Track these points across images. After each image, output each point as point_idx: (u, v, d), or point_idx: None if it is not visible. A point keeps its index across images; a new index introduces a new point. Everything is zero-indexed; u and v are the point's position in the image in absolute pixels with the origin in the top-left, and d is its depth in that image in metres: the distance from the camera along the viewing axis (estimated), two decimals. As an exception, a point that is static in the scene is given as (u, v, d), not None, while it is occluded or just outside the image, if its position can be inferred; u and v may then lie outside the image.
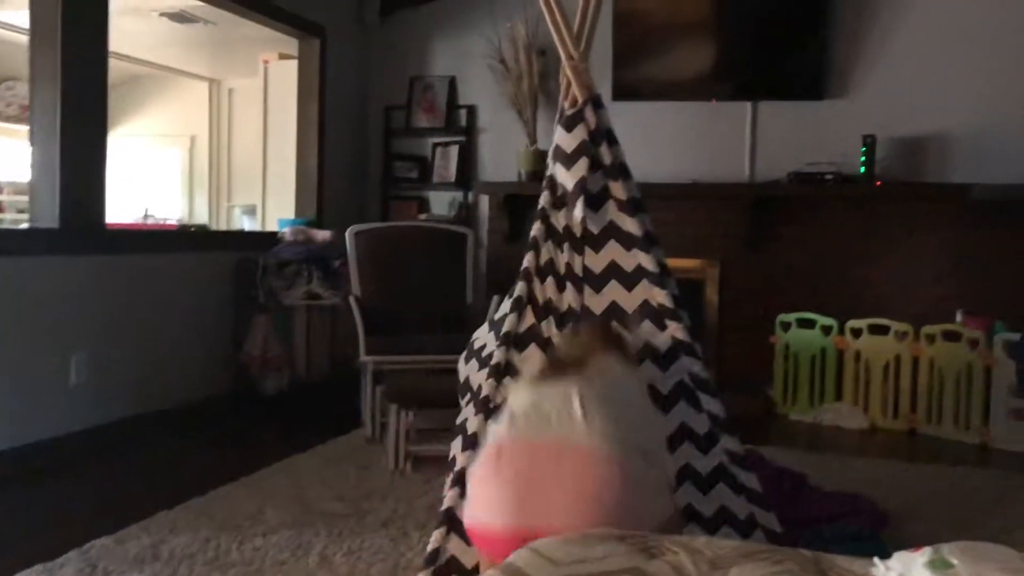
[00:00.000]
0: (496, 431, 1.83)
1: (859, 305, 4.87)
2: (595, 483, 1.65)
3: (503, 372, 2.23)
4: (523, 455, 1.73)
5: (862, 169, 4.81)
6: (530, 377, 1.94)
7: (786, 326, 4.88)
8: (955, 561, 1.24)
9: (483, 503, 1.75)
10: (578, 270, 2.27)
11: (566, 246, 2.28)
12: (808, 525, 2.77)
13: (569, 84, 2.30)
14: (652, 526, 1.62)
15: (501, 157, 5.71)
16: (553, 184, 2.31)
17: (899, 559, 1.33)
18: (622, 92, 5.29)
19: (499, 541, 1.68)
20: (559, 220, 2.30)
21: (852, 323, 4.70)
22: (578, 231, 2.27)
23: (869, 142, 4.79)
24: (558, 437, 1.71)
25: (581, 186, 2.23)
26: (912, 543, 1.43)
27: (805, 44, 5.01)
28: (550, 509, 1.65)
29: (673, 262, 5.13)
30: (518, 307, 2.27)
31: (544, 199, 2.31)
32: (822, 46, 4.97)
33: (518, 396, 1.87)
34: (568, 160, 2.26)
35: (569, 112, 2.28)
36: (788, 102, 5.10)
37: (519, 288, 2.29)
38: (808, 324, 4.83)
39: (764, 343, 4.95)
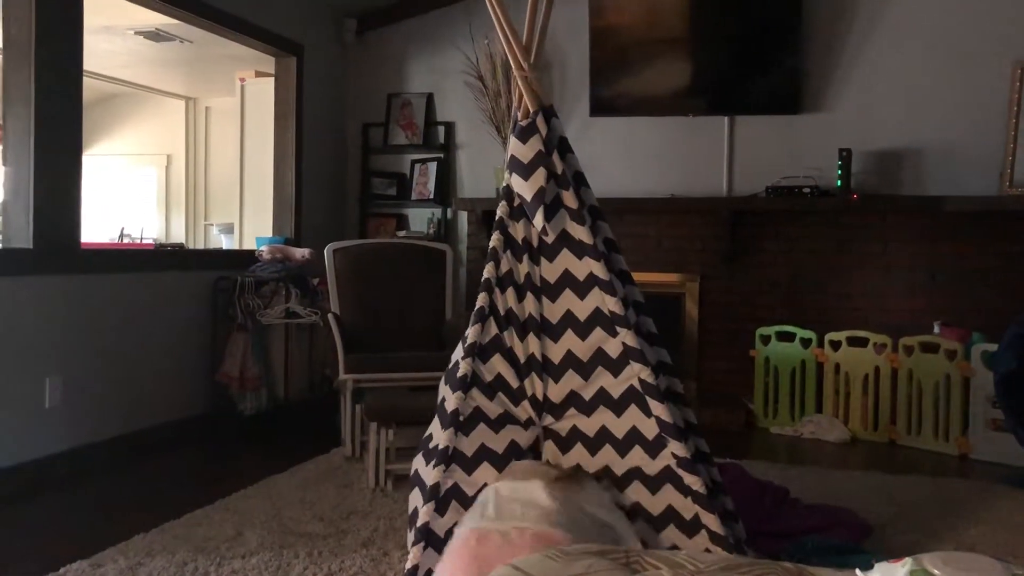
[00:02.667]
0: (472, 519, 2.02)
1: (838, 317, 4.91)
2: None
3: (469, 384, 2.25)
4: (493, 541, 1.90)
5: (838, 183, 4.85)
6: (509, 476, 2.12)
7: (765, 339, 4.90)
8: (936, 572, 1.24)
9: None
10: (536, 280, 2.31)
11: (525, 256, 2.32)
12: (790, 538, 2.77)
13: (521, 95, 2.31)
14: None
15: (479, 173, 5.72)
16: (510, 195, 2.33)
17: (881, 570, 1.32)
18: (599, 108, 5.32)
19: None
20: (517, 231, 2.34)
21: (831, 335, 4.73)
22: (536, 241, 2.32)
23: (845, 156, 4.83)
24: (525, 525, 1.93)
25: (540, 196, 2.25)
26: (894, 554, 1.43)
27: (780, 59, 5.05)
28: None
29: (652, 276, 5.22)
30: (480, 318, 2.30)
31: (501, 209, 2.35)
32: (797, 61, 5.03)
33: (495, 490, 2.08)
34: (525, 171, 2.28)
35: (523, 123, 2.30)
36: (764, 116, 5.15)
37: (480, 299, 2.33)
38: (788, 337, 4.85)
39: (744, 356, 4.96)
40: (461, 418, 2.24)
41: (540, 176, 2.26)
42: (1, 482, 3.42)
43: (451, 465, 2.22)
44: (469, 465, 2.23)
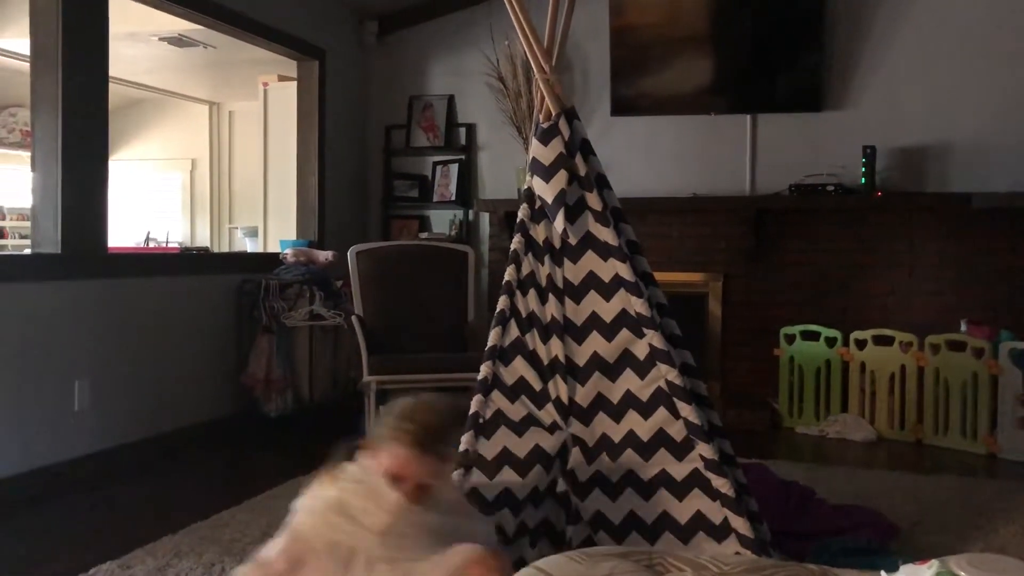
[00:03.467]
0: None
1: (863, 316, 4.87)
2: None
3: (489, 386, 2.26)
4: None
5: (863, 180, 4.81)
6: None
7: (790, 338, 4.87)
8: (962, 574, 1.23)
9: None
10: (559, 282, 2.30)
11: (547, 258, 2.32)
12: (815, 538, 2.75)
13: (543, 98, 2.31)
14: None
15: (501, 174, 5.73)
16: (531, 197, 2.33)
17: (906, 572, 1.32)
18: (620, 107, 5.31)
19: None
20: (538, 233, 2.34)
21: (856, 334, 4.69)
22: (558, 243, 2.30)
23: (869, 153, 4.79)
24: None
25: (562, 198, 2.25)
26: (920, 555, 1.42)
27: (803, 56, 5.02)
28: None
29: (675, 276, 5.19)
30: (501, 320, 2.30)
31: (523, 212, 2.35)
32: (820, 58, 4.99)
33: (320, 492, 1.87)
34: (546, 173, 2.28)
35: (544, 125, 2.30)
36: (787, 114, 5.11)
37: (501, 302, 2.33)
38: (812, 336, 4.82)
39: (768, 356, 4.93)
40: (481, 421, 2.24)
41: (562, 178, 2.26)
42: (32, 483, 3.47)
43: (471, 469, 2.22)
44: (490, 469, 2.23)
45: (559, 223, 2.26)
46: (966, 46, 4.83)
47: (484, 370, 2.27)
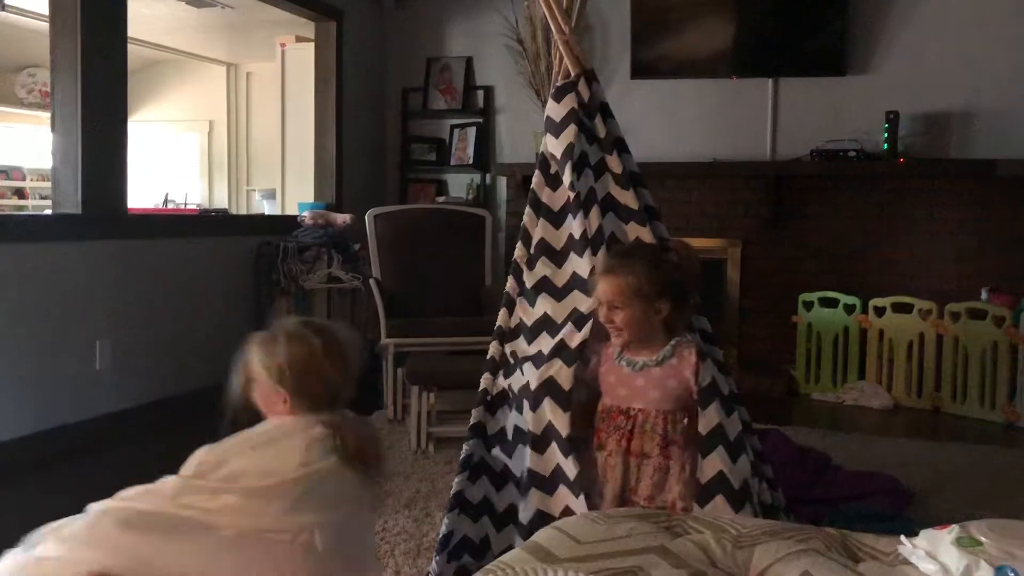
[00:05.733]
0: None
1: (882, 283, 4.83)
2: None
3: (497, 367, 2.24)
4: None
5: (885, 146, 4.75)
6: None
7: (808, 305, 4.85)
8: (983, 539, 1.23)
9: None
10: (577, 235, 2.23)
11: (569, 217, 2.24)
12: (831, 504, 2.76)
13: (562, 59, 2.29)
14: None
15: (518, 138, 5.69)
16: (545, 162, 2.30)
17: (926, 537, 1.32)
18: (641, 70, 5.25)
19: None
20: (553, 199, 2.27)
21: (875, 301, 4.67)
22: (573, 192, 2.23)
23: (892, 118, 4.73)
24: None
25: (569, 152, 2.22)
26: (936, 522, 1.43)
27: (826, 19, 4.94)
28: None
29: (694, 241, 5.08)
30: (508, 303, 2.28)
31: (536, 181, 2.29)
32: (843, 21, 4.90)
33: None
34: (557, 128, 2.26)
35: (560, 83, 2.28)
36: (809, 78, 5.04)
37: (509, 284, 2.29)
38: (831, 303, 4.80)
39: (786, 322, 4.92)
40: (489, 398, 2.25)
41: (570, 132, 2.24)
42: (55, 440, 3.53)
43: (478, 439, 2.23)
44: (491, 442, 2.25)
45: (567, 178, 2.24)
46: (992, 10, 4.73)
47: (492, 350, 2.26)
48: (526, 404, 2.18)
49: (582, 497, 2.04)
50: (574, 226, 2.22)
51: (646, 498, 1.95)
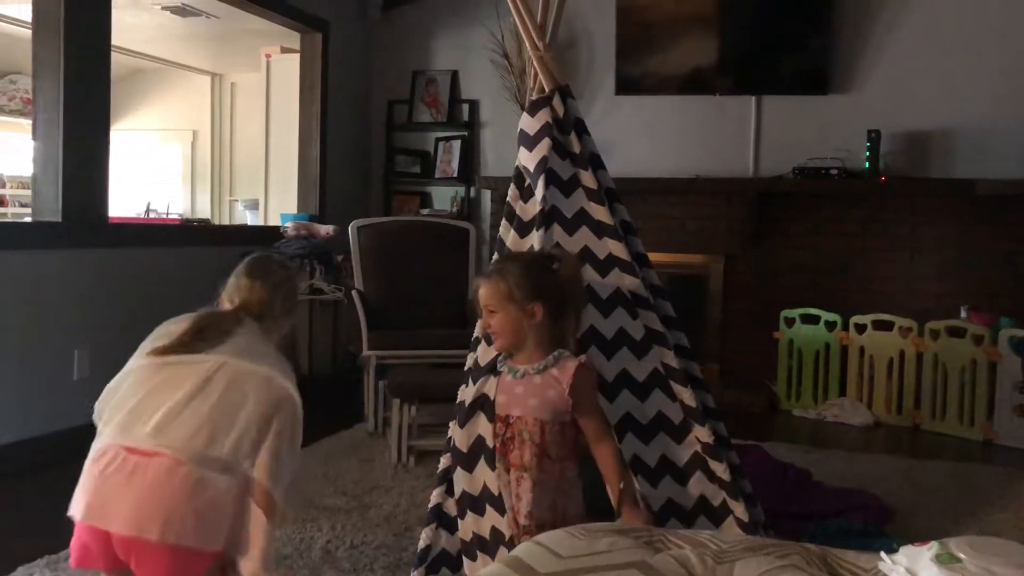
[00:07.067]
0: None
1: (863, 301, 4.87)
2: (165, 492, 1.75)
3: (476, 375, 2.21)
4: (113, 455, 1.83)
5: (866, 164, 4.80)
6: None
7: (790, 322, 4.87)
8: (962, 556, 1.24)
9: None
10: (537, 248, 2.20)
11: (540, 231, 2.22)
12: (811, 520, 2.76)
13: (536, 75, 2.29)
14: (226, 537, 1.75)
15: (503, 151, 5.70)
16: (519, 175, 2.30)
17: (906, 553, 1.32)
18: (625, 86, 5.28)
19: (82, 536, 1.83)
20: (526, 211, 2.27)
21: (856, 319, 4.70)
22: (543, 206, 2.22)
23: (873, 137, 4.78)
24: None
25: (543, 165, 2.22)
26: (916, 538, 1.43)
27: (809, 38, 4.99)
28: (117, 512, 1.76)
29: (676, 257, 5.18)
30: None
31: (511, 194, 2.29)
32: (827, 40, 4.96)
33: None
34: (530, 142, 2.26)
35: (534, 97, 2.28)
36: (792, 96, 5.09)
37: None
38: (812, 320, 4.82)
39: (768, 339, 4.94)
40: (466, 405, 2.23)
41: (544, 146, 2.24)
42: (32, 451, 3.48)
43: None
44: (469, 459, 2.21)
45: (539, 191, 2.23)
46: (974, 31, 4.80)
47: (469, 360, 2.24)
48: (454, 422, 2.17)
49: (508, 515, 2.00)
50: (535, 239, 2.21)
51: (526, 515, 1.91)
